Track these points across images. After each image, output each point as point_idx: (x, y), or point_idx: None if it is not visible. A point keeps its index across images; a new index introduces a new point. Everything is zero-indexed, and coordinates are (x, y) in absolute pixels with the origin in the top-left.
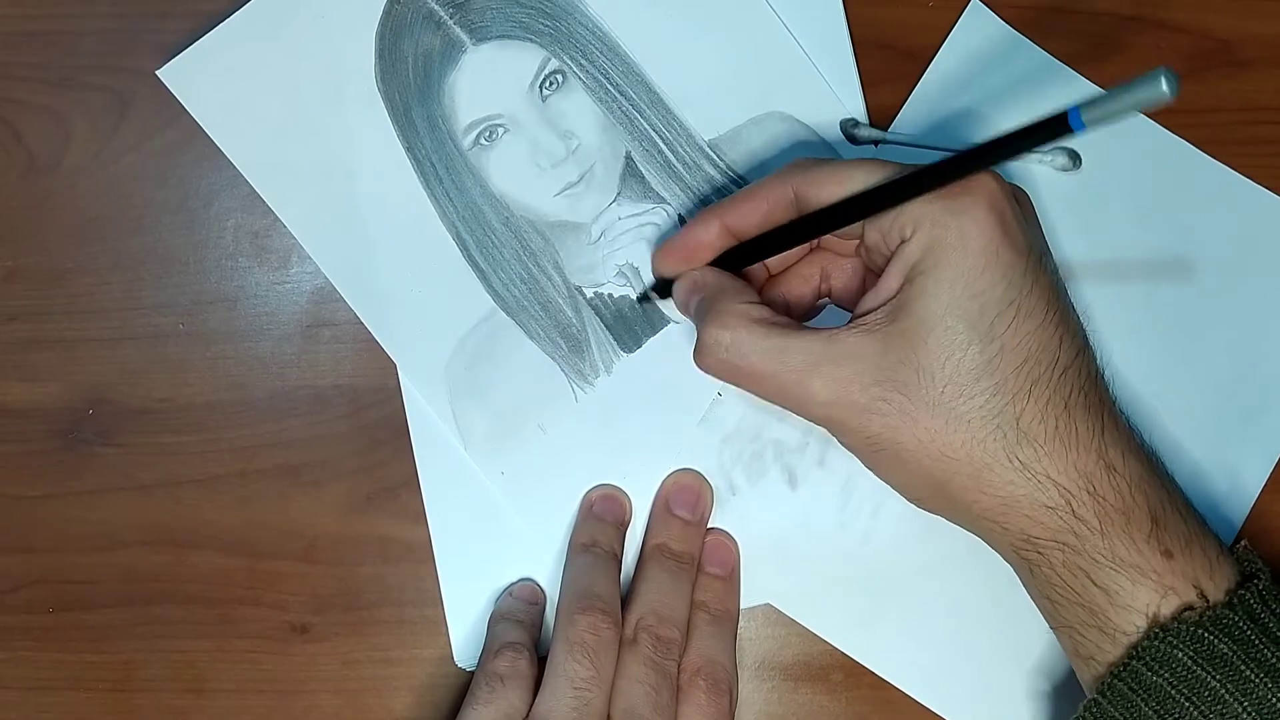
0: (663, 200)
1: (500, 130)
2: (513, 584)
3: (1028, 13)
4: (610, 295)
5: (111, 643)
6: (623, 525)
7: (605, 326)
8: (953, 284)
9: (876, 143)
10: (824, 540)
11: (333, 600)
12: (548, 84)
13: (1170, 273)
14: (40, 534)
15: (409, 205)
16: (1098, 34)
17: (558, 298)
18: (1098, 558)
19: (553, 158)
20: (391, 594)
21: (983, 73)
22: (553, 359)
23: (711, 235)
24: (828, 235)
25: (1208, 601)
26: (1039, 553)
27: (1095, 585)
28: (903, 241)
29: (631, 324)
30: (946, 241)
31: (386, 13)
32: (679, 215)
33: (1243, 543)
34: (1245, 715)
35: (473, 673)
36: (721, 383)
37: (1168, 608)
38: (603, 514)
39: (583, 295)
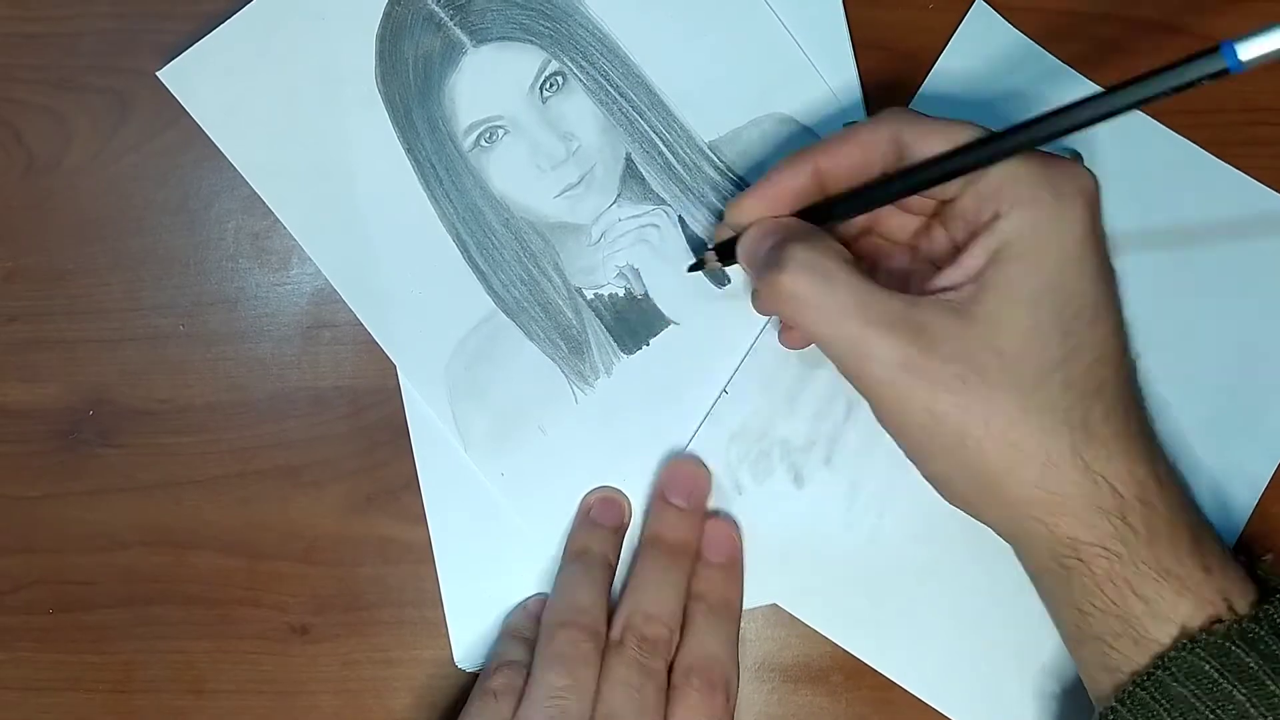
0: (663, 202)
1: (501, 132)
2: (529, 598)
3: (1028, 15)
4: (611, 296)
5: (111, 643)
6: (620, 530)
7: (605, 328)
8: (1046, 272)
9: None
10: (830, 540)
11: (333, 601)
12: (548, 85)
13: (1173, 272)
14: (40, 534)
15: (409, 206)
16: (1098, 36)
17: (558, 299)
18: (1142, 567)
19: (553, 159)
20: (391, 595)
21: (987, 74)
22: (553, 360)
23: (802, 179)
24: (887, 216)
25: (1237, 615)
26: (1080, 559)
27: (1135, 594)
28: (997, 218)
29: (632, 325)
30: (1045, 228)
31: (387, 14)
32: (679, 217)
33: (1268, 556)
34: None
35: (473, 674)
36: (729, 378)
37: (1197, 620)
38: (599, 518)
39: (583, 297)
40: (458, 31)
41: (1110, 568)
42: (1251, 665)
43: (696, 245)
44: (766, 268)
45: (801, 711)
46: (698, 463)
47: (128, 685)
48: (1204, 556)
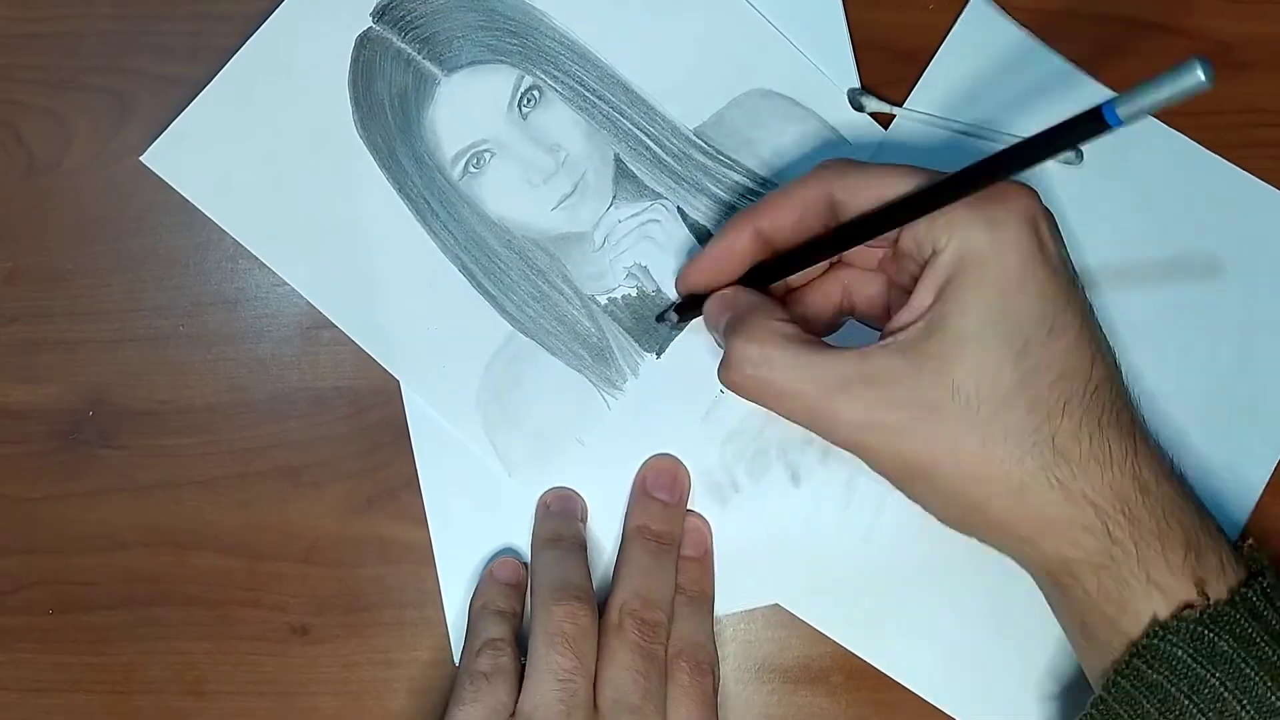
0: (659, 195)
1: (487, 155)
2: (493, 557)
3: (1027, 16)
4: (624, 298)
5: (112, 644)
6: (583, 520)
7: (625, 330)
8: (989, 300)
9: (878, 114)
10: (827, 538)
11: (333, 602)
12: (525, 101)
13: (1175, 270)
14: (40, 535)
15: (410, 245)
16: (1097, 37)
17: (573, 310)
18: (1132, 582)
19: (543, 173)
20: (392, 596)
21: (985, 68)
22: (579, 371)
23: (744, 242)
24: (852, 248)
25: (1209, 599)
26: (1072, 575)
27: (1128, 612)
28: (935, 254)
29: (650, 324)
30: (982, 256)
31: (355, 59)
32: (678, 208)
33: (1249, 541)
34: (1244, 713)
35: None
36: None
37: (1169, 606)
38: (561, 511)
39: (597, 303)
40: (427, 64)
41: (1100, 582)
42: (1226, 649)
43: (700, 233)
44: (720, 369)
45: (801, 712)
46: (676, 460)
47: (128, 686)
48: (1199, 571)
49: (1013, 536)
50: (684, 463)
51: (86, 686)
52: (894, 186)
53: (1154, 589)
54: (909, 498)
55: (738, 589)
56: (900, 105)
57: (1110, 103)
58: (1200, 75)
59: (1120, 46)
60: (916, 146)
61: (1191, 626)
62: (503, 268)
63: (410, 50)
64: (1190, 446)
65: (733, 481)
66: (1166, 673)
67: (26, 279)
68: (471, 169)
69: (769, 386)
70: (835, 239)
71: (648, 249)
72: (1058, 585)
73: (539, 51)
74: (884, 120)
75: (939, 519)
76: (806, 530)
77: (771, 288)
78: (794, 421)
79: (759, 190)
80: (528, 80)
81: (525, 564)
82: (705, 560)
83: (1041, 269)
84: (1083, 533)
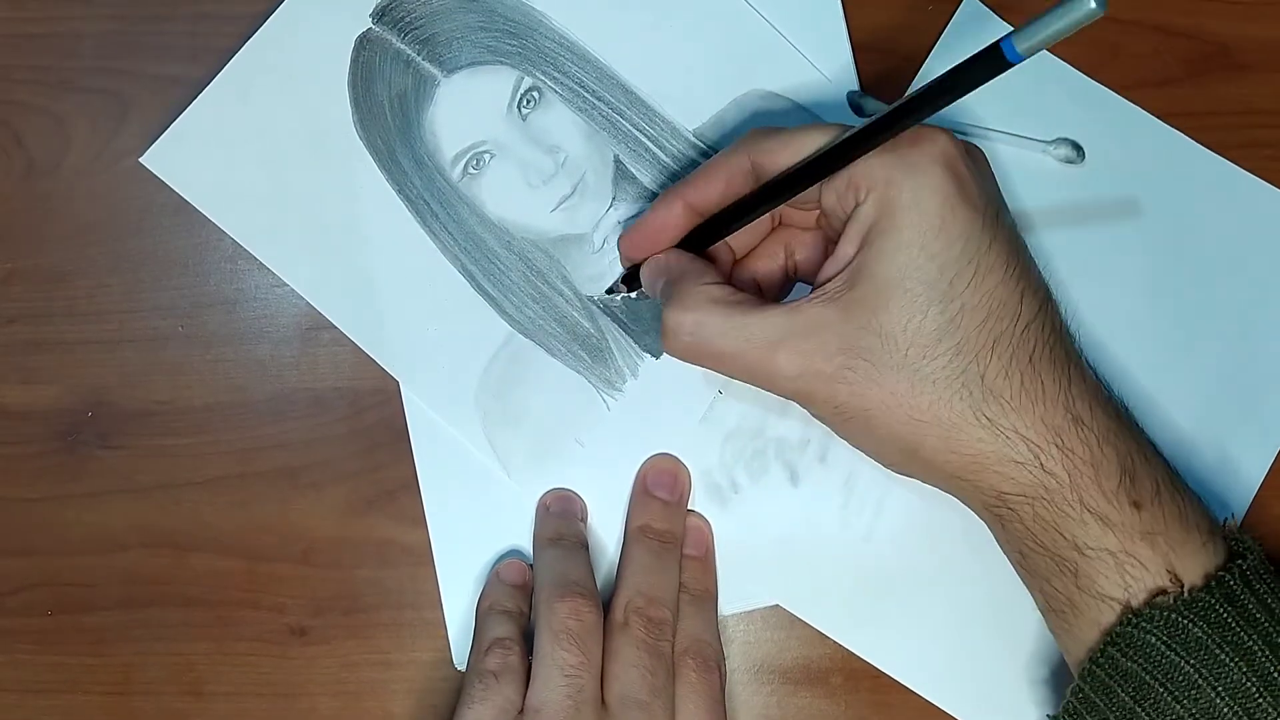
0: (657, 197)
1: (487, 156)
2: (499, 559)
3: (1023, 17)
4: (623, 299)
5: (110, 645)
6: (582, 520)
7: (624, 332)
8: (909, 245)
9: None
10: (826, 537)
11: (332, 603)
12: (525, 102)
13: (1173, 268)
14: (39, 536)
15: (410, 247)
16: (1096, 37)
17: (572, 311)
18: (1067, 510)
19: (543, 174)
20: (390, 597)
21: None
22: (578, 372)
23: (675, 215)
24: (789, 209)
25: (1182, 585)
26: (1009, 508)
27: (1064, 538)
28: (857, 205)
29: (650, 325)
30: (900, 202)
31: (354, 60)
32: None
33: (1231, 521)
34: (1219, 700)
35: None
36: (721, 381)
37: (1141, 593)
38: (561, 511)
39: (596, 304)
40: (427, 65)
41: (1036, 513)
42: (1200, 635)
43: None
44: (662, 337)
45: (801, 713)
46: (676, 460)
47: (127, 687)
48: (1134, 494)
49: (948, 475)
50: (683, 463)
51: (85, 687)
52: (809, 146)
53: (1088, 514)
54: (850, 444)
55: (737, 590)
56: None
57: (1007, 38)
58: (1091, 3)
59: (1119, 47)
60: None
61: (1166, 614)
62: (502, 269)
63: (410, 51)
64: (1188, 444)
65: (732, 482)
66: (1141, 660)
67: (25, 280)
68: (471, 170)
69: (708, 351)
70: (755, 199)
71: None
72: (997, 518)
73: (539, 52)
74: None
75: (879, 462)
76: (806, 530)
77: (719, 255)
78: (739, 380)
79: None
80: (527, 81)
81: (530, 565)
82: (707, 558)
83: (962, 209)
84: (1015, 467)
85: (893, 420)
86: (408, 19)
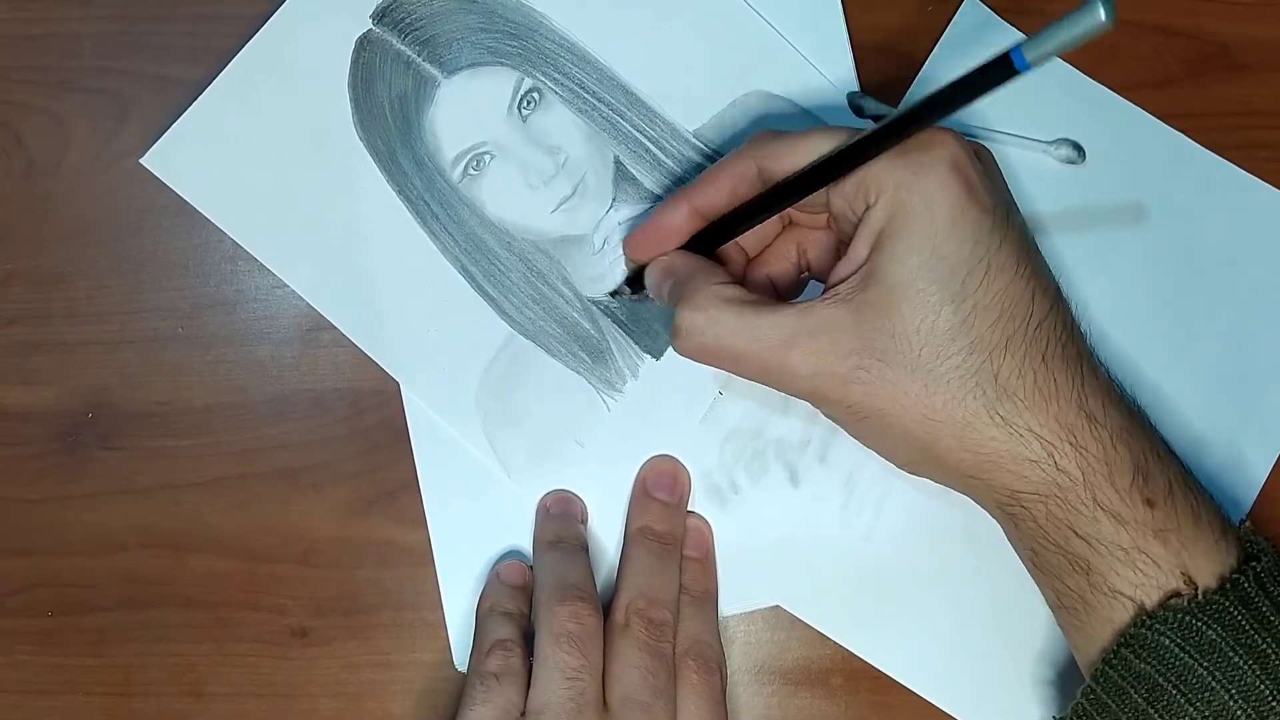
0: (659, 198)
1: (487, 157)
2: (498, 561)
3: (1023, 18)
4: (622, 300)
5: (111, 646)
6: (582, 521)
7: (625, 332)
8: (921, 247)
9: (879, 118)
10: (827, 538)
11: (332, 604)
12: (525, 103)
13: (1174, 268)
14: (40, 537)
15: (411, 248)
16: (1098, 39)
17: (572, 312)
18: (1079, 507)
19: (543, 175)
20: (391, 597)
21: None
22: (578, 373)
23: (680, 218)
24: (799, 210)
25: (1196, 587)
26: (1022, 506)
27: (1077, 535)
28: (868, 208)
29: (650, 325)
30: (911, 204)
31: (355, 61)
32: None
33: (1246, 523)
34: (1232, 702)
35: None
36: (722, 381)
37: (1154, 591)
38: (560, 514)
39: (597, 306)
40: (427, 66)
41: (1050, 511)
42: (1214, 638)
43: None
44: (671, 338)
45: (801, 714)
46: (676, 461)
47: (127, 688)
48: (1147, 492)
49: (962, 474)
50: (684, 464)
51: (85, 688)
52: (815, 150)
53: (1101, 512)
54: (864, 444)
55: (738, 590)
56: (898, 108)
57: (1017, 47)
58: (1101, 15)
59: (1119, 48)
60: None
61: (1179, 616)
62: (503, 270)
63: (410, 52)
64: (1190, 444)
65: (732, 483)
66: (1154, 662)
67: (25, 281)
68: (471, 171)
69: (720, 350)
70: (760, 203)
71: None
72: (1010, 516)
73: (539, 53)
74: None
75: (893, 463)
76: (806, 531)
77: (731, 256)
78: (751, 379)
79: None
80: (528, 82)
81: (531, 566)
82: (708, 560)
83: (972, 210)
84: (1028, 465)
85: (907, 420)
86: (408, 20)
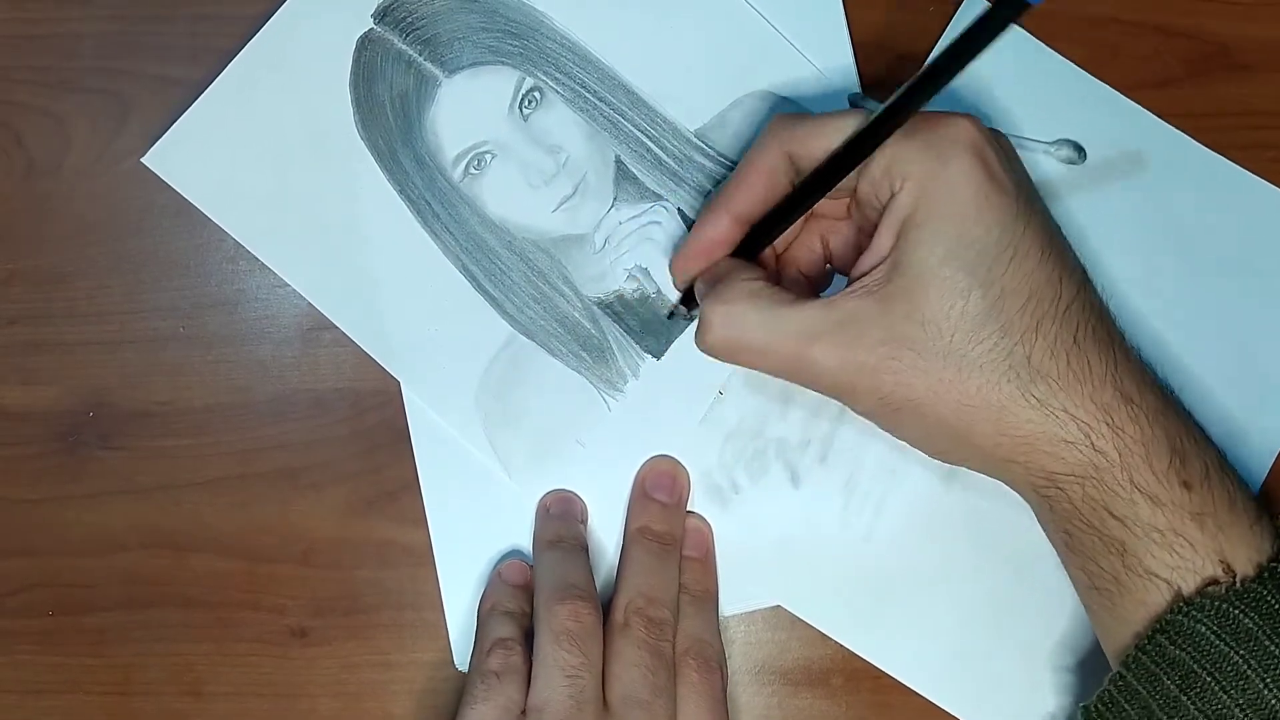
0: (659, 197)
1: (488, 156)
2: (500, 560)
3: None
4: (625, 300)
5: (111, 646)
6: (582, 521)
7: (626, 332)
8: (946, 234)
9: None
10: (827, 538)
11: (332, 604)
12: (526, 103)
13: (1178, 268)
14: (40, 537)
15: (412, 247)
16: (1097, 39)
17: (573, 312)
18: (1116, 488)
19: (544, 174)
20: (391, 598)
21: (982, 68)
22: (579, 373)
23: (722, 230)
24: (822, 200)
25: (1234, 575)
26: (1058, 488)
27: (1113, 516)
28: (892, 196)
29: (651, 325)
30: (935, 192)
31: (356, 61)
32: (678, 209)
33: None
34: (1267, 691)
35: None
36: (722, 380)
37: (1189, 575)
38: (561, 514)
39: (598, 305)
40: (429, 65)
41: (1086, 492)
42: (1251, 626)
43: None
44: (696, 337)
45: (802, 714)
46: (675, 462)
47: (127, 688)
48: (1183, 474)
49: (998, 459)
50: (683, 464)
51: (85, 688)
52: (840, 129)
53: (1138, 493)
54: (896, 436)
55: (738, 590)
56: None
57: None
58: None
59: (1120, 48)
60: None
61: (1217, 604)
62: (504, 269)
63: (411, 52)
64: None
65: (732, 483)
66: (1190, 649)
67: (26, 281)
68: (472, 170)
69: (745, 345)
70: (796, 199)
71: (649, 250)
72: (1045, 499)
73: (540, 53)
74: None
75: (927, 452)
76: (806, 531)
77: (763, 255)
78: (777, 376)
79: None
80: (529, 82)
81: (532, 566)
82: (708, 560)
83: (996, 195)
84: (1065, 446)
85: (941, 407)
86: (409, 19)
